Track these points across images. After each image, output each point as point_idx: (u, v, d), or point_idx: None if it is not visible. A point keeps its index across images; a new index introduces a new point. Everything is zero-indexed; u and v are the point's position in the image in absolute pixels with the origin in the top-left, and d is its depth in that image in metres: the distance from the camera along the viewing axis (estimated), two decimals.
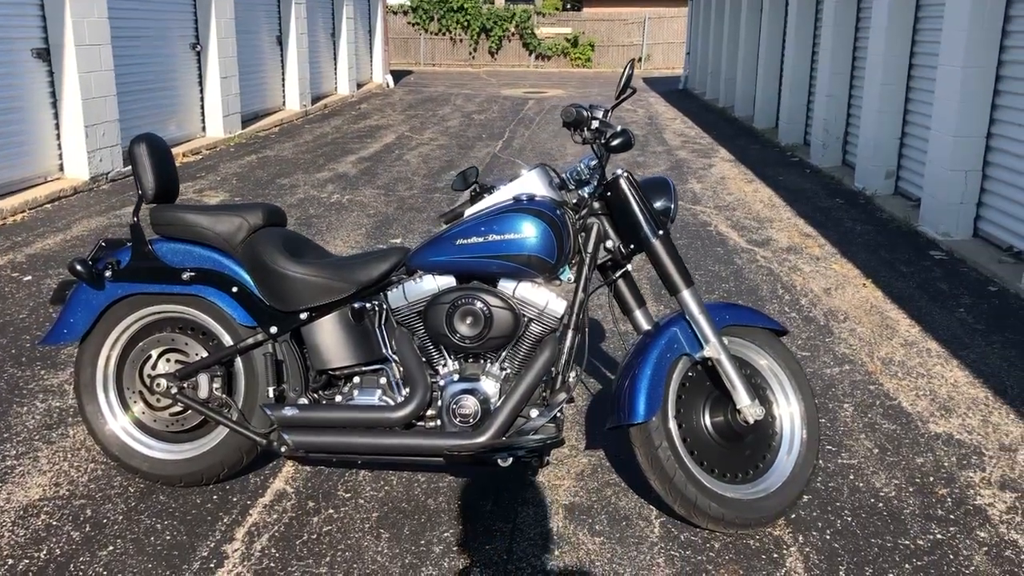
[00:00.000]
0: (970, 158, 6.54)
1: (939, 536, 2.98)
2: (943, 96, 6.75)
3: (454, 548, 2.90)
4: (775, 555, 2.87)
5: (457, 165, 10.22)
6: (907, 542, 2.95)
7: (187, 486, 3.20)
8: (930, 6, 7.77)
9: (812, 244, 6.79)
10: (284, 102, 15.22)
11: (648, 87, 22.50)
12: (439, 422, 2.99)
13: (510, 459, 2.87)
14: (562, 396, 2.88)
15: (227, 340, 3.11)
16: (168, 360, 3.16)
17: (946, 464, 3.45)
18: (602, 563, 2.83)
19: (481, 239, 2.91)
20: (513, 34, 31.19)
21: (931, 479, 3.35)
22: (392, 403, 3.01)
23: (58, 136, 8.54)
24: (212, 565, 2.79)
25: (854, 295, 5.54)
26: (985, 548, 2.91)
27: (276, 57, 14.80)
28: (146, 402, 3.18)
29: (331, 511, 3.10)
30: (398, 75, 24.24)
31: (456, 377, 2.99)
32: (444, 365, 3.02)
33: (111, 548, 2.87)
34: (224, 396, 3.10)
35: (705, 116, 15.59)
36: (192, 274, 3.06)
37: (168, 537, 2.93)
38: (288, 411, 2.98)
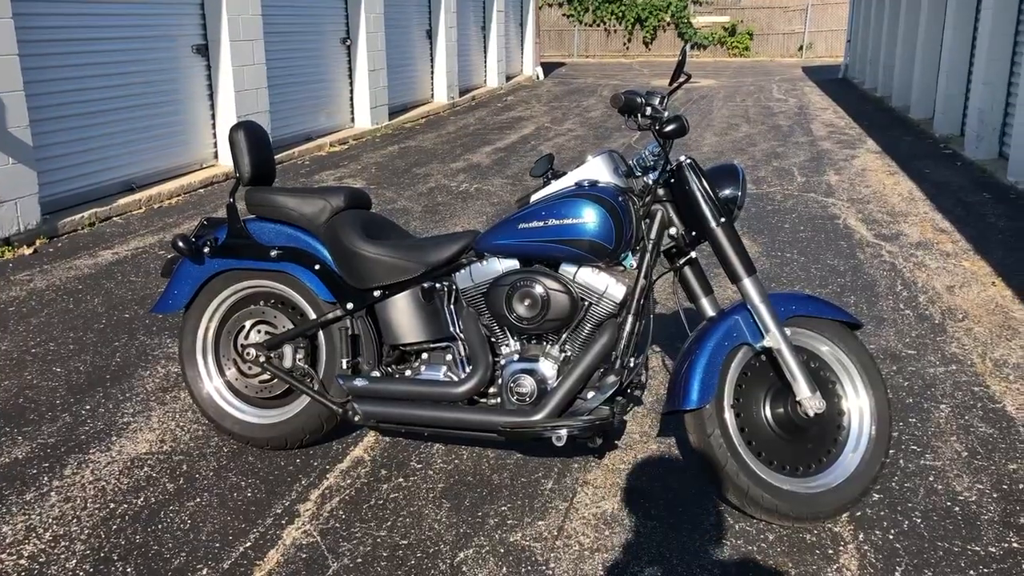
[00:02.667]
0: None
1: (1015, 545, 2.83)
2: None
3: (508, 522, 3.00)
4: (830, 551, 2.81)
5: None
6: (977, 548, 2.82)
7: (273, 449, 3.45)
8: None
9: (945, 240, 6.44)
10: (432, 94, 15.68)
11: (806, 76, 21.74)
12: (499, 399, 3.09)
13: (564, 438, 2.94)
14: (612, 379, 2.92)
15: (311, 314, 3.33)
16: (259, 331, 3.41)
17: None
18: (650, 546, 2.85)
19: (542, 223, 2.98)
20: (668, 24, 30.78)
21: (1020, 487, 3.17)
22: (456, 379, 3.14)
23: (213, 126, 9.19)
24: (284, 522, 3.01)
25: (979, 294, 5.23)
26: None
27: (425, 50, 15.26)
28: (239, 369, 3.45)
29: (400, 479, 3.27)
30: (550, 67, 24.44)
31: (516, 357, 3.09)
32: (506, 345, 3.12)
33: (198, 500, 3.14)
34: (306, 367, 3.32)
35: (859, 105, 14.93)
36: (280, 252, 3.29)
37: (249, 494, 3.18)
38: (359, 382, 3.16)
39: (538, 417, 2.96)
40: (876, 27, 16.92)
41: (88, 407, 3.86)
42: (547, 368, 3.05)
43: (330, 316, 3.27)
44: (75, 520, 3.02)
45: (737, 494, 2.87)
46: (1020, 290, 5.28)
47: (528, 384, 3.01)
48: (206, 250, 3.37)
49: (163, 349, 4.50)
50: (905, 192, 8.12)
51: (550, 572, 2.73)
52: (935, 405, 3.79)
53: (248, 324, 3.42)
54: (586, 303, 3.00)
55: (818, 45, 29.94)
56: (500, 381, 3.09)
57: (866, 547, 2.83)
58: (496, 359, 3.12)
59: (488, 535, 2.93)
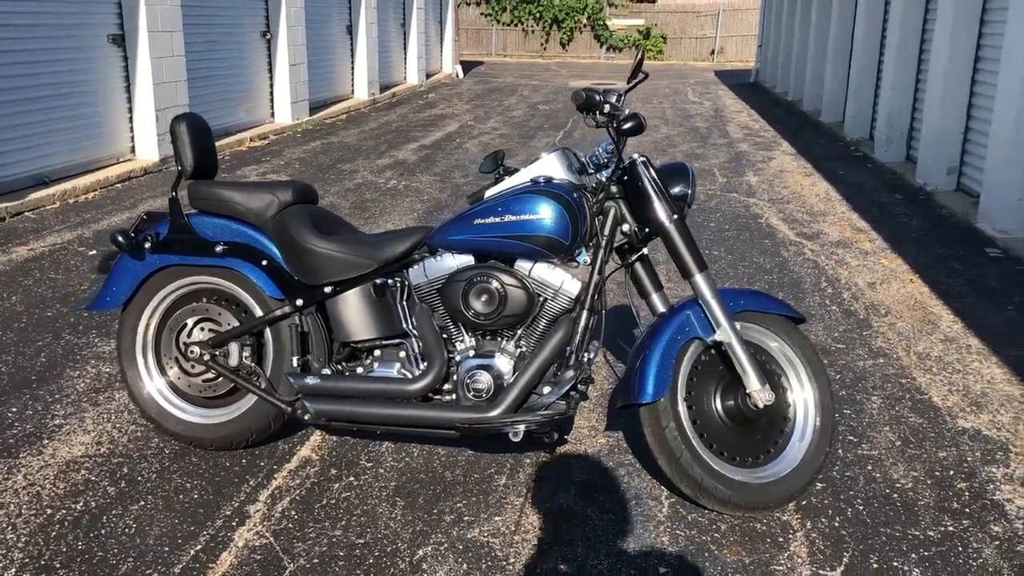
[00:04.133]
0: None
1: (951, 528, 2.96)
2: (1004, 91, 6.58)
3: (465, 518, 2.99)
4: (780, 539, 2.89)
5: (516, 154, 10.30)
6: (917, 532, 2.94)
7: (218, 449, 3.36)
8: None
9: (863, 239, 6.69)
10: (353, 90, 15.50)
11: (718, 80, 22.25)
12: (455, 396, 3.08)
13: (521, 434, 2.94)
14: (570, 374, 2.94)
15: (257, 311, 3.26)
16: (203, 329, 3.32)
17: (969, 459, 3.42)
18: (607, 539, 2.89)
19: (498, 219, 2.99)
20: (585, 25, 31.11)
21: (951, 473, 3.32)
22: (410, 376, 3.12)
23: (131, 119, 8.89)
24: (234, 523, 2.94)
25: (899, 290, 5.46)
26: (997, 542, 2.89)
27: (346, 46, 15.08)
28: (181, 368, 3.35)
29: (351, 479, 3.23)
30: (468, 66, 24.43)
31: (472, 353, 3.08)
32: (461, 341, 3.11)
33: (142, 503, 3.04)
34: (253, 365, 3.25)
35: (772, 110, 15.36)
36: (225, 247, 3.21)
37: (196, 496, 3.09)
38: (310, 380, 3.11)
39: (495, 413, 2.96)
40: (787, 33, 17.45)
41: (14, 409, 3.69)
42: (503, 364, 3.05)
43: (278, 313, 3.21)
44: (10, 527, 2.89)
45: (691, 485, 2.92)
46: (936, 286, 5.52)
47: (484, 380, 3.01)
48: (147, 245, 3.26)
49: (92, 348, 4.34)
50: (822, 193, 8.39)
51: (510, 567, 2.74)
52: (867, 397, 3.94)
53: (191, 322, 3.32)
54: (542, 299, 3.02)
55: (729, 50, 30.69)
56: (455, 378, 3.08)
57: (814, 535, 2.92)
58: (451, 355, 3.11)
59: (445, 532, 2.91)
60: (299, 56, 12.38)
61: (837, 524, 2.98)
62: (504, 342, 3.08)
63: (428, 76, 19.99)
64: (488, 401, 3.00)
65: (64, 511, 2.98)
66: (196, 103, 9.70)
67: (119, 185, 8.20)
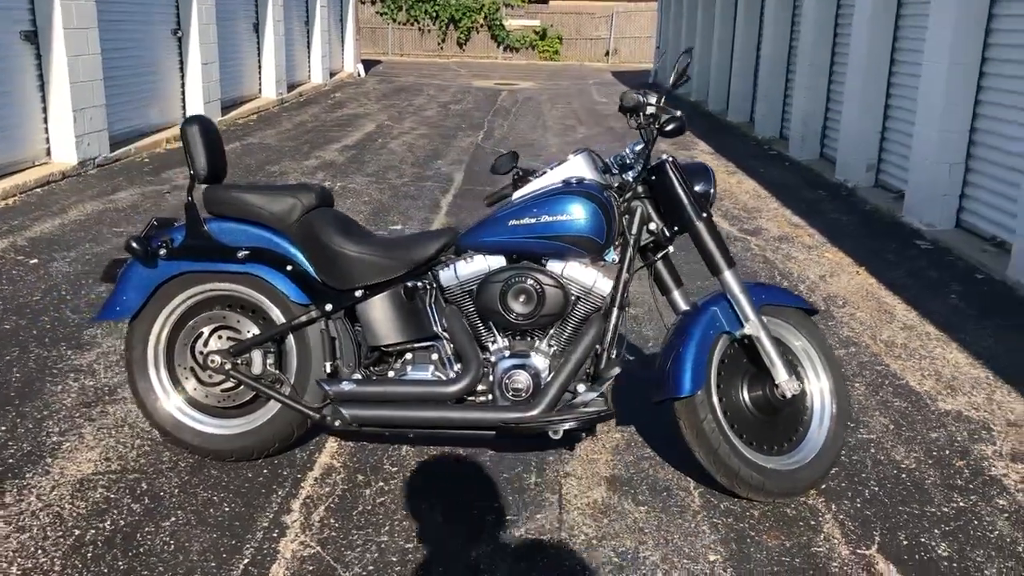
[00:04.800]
0: (954, 152, 6.78)
1: (962, 504, 3.16)
2: (927, 92, 6.99)
3: (507, 517, 3.01)
4: (812, 522, 3.02)
5: (443, 154, 10.29)
6: (933, 509, 3.12)
7: (238, 460, 3.27)
8: (912, 4, 8.01)
9: (802, 233, 7.00)
10: (260, 90, 15.13)
11: (618, 80, 22.71)
12: (490, 396, 3.09)
13: (561, 432, 2.98)
14: (615, 370, 3.00)
15: (278, 317, 3.18)
16: (220, 337, 3.22)
17: (959, 438, 3.64)
18: (651, 530, 2.96)
19: (534, 220, 3.02)
20: (482, 25, 31.22)
21: (947, 452, 3.53)
22: (444, 378, 3.11)
23: (45, 120, 8.46)
24: (275, 534, 2.87)
25: (849, 281, 5.74)
26: (1006, 515, 3.10)
27: (253, 44, 14.71)
28: (198, 379, 3.25)
29: (381, 484, 3.20)
30: (368, 64, 24.15)
31: (507, 353, 3.10)
32: (493, 342, 3.13)
33: (173, 519, 2.93)
34: (277, 372, 3.18)
35: (680, 110, 15.70)
36: (247, 253, 3.12)
37: (227, 508, 3.01)
38: (346, 385, 3.07)
39: (537, 412, 2.98)
40: (688, 34, 17.96)
41: (3, 428, 3.50)
42: (540, 363, 3.08)
43: (303, 319, 3.15)
44: (40, 551, 2.74)
45: (728, 475, 3.02)
46: (882, 278, 5.83)
47: (523, 379, 3.03)
48: (162, 252, 3.15)
49: (67, 362, 4.13)
50: (751, 190, 8.71)
51: (567, 563, 2.78)
52: (851, 384, 4.14)
53: (207, 330, 3.22)
54: (575, 297, 3.06)
55: (623, 51, 31.35)
56: (490, 378, 3.09)
57: (841, 516, 3.06)
58: (484, 356, 3.12)
59: (491, 532, 2.93)
60: (211, 55, 12.01)
61: (859, 505, 3.13)
62: (537, 341, 3.12)
63: (331, 75, 19.68)
64: (527, 400, 3.03)
65: (93, 531, 2.85)
66: (111, 103, 9.28)
67: (39, 190, 7.80)
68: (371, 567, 2.73)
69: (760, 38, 12.79)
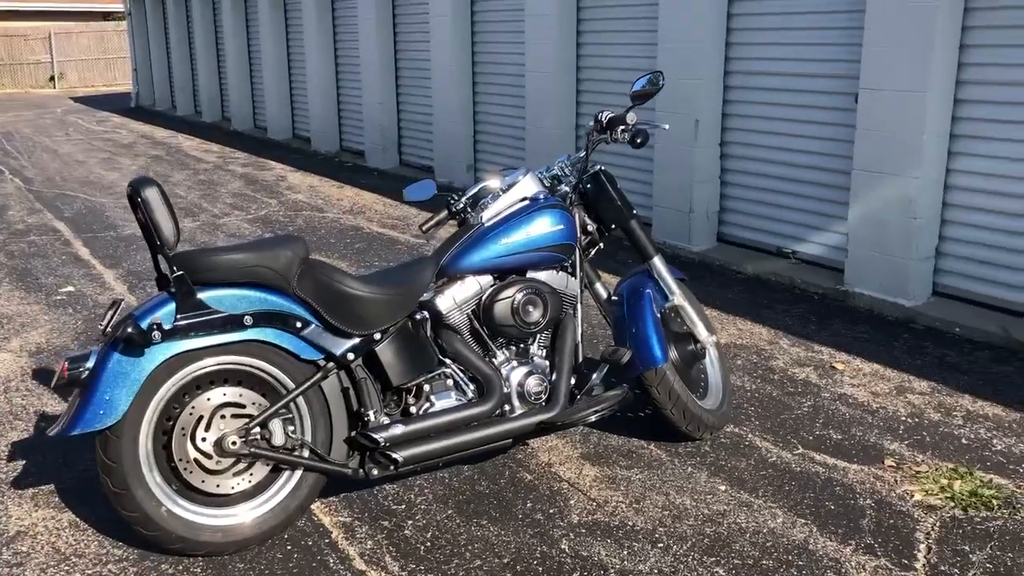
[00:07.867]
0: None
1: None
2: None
3: (550, 512, 3.25)
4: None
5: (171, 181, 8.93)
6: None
7: (262, 543, 2.98)
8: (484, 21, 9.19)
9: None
10: None
11: (93, 107, 20.95)
12: (506, 407, 3.29)
13: (593, 418, 3.33)
14: (627, 354, 3.40)
15: (284, 381, 2.97)
16: (223, 416, 2.90)
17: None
18: (688, 502, 3.27)
19: (521, 236, 3.31)
20: None
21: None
22: (469, 400, 3.22)
23: None
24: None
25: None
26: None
27: None
28: (204, 469, 2.88)
29: (417, 516, 3.19)
30: None
31: (514, 363, 3.33)
32: (494, 356, 3.32)
33: None
34: (300, 437, 2.98)
35: (209, 132, 15.24)
36: (252, 318, 2.87)
37: (291, 565, 2.81)
38: (397, 429, 3.02)
39: (558, 410, 3.28)
40: (182, 55, 17.50)
41: None
42: (542, 365, 3.37)
43: (318, 375, 2.99)
44: None
45: (694, 424, 3.63)
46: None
47: (540, 383, 3.31)
48: (155, 335, 2.73)
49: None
50: (370, 199, 9.17)
51: (636, 541, 3.06)
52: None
53: (206, 415, 2.87)
54: (563, 300, 3.41)
55: (71, 75, 28.79)
56: (506, 389, 3.28)
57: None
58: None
59: (545, 532, 3.11)
60: None
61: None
62: (531, 347, 3.39)
63: None
64: (547, 401, 3.30)
65: None
66: None
67: None
68: None
69: (289, 58, 13.15)
